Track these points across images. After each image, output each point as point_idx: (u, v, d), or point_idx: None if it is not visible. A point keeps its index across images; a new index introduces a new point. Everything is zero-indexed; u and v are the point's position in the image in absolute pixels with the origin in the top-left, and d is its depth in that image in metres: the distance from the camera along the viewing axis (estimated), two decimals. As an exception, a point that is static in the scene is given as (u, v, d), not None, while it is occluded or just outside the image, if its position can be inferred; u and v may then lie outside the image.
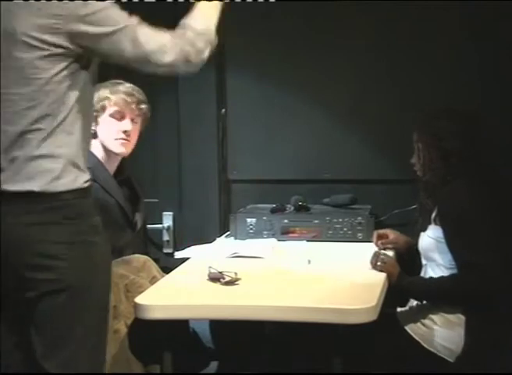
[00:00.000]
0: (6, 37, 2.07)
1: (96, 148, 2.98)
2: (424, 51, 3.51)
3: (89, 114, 2.23)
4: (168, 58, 2.17)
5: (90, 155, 2.94)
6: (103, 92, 2.95)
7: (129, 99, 2.98)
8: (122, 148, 3.01)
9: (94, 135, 2.96)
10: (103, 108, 2.96)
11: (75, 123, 2.13)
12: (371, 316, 2.28)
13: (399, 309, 2.79)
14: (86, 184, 2.17)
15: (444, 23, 3.47)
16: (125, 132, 2.99)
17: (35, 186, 2.08)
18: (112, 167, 3.03)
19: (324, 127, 3.65)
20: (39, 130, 2.09)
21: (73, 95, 2.13)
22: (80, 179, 2.15)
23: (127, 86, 3.01)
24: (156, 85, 3.72)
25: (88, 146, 2.26)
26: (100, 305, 2.21)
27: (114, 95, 2.96)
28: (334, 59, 3.61)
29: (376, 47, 3.56)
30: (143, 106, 3.03)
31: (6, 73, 2.08)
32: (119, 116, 2.99)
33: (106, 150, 3.00)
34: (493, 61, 3.44)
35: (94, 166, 2.93)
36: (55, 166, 2.10)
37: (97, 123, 2.97)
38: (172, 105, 3.72)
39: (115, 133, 2.99)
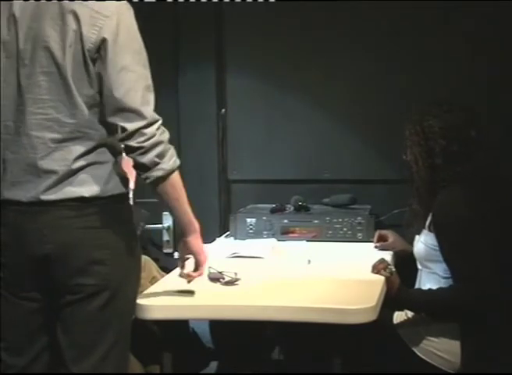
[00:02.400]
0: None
1: None
2: (424, 51, 3.51)
3: None
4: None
5: None
6: None
7: None
8: None
9: None
10: None
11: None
12: (371, 316, 2.28)
13: (396, 313, 2.77)
14: (127, 189, 2.17)
15: (444, 24, 3.48)
16: None
17: (85, 192, 2.06)
18: None
19: (324, 127, 3.65)
20: (81, 137, 2.07)
21: None
22: (123, 183, 2.14)
23: None
24: (156, 85, 3.73)
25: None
26: (129, 311, 2.21)
27: None
28: (334, 59, 3.62)
29: (376, 47, 3.57)
30: None
31: (49, 78, 2.06)
32: None
33: None
34: (494, 61, 3.45)
35: None
36: (103, 172, 2.09)
37: None
38: (172, 105, 3.72)
39: None
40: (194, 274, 2.31)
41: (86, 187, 2.06)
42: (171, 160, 2.10)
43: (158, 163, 2.07)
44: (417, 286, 2.78)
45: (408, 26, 3.52)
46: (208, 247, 3.21)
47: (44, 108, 2.06)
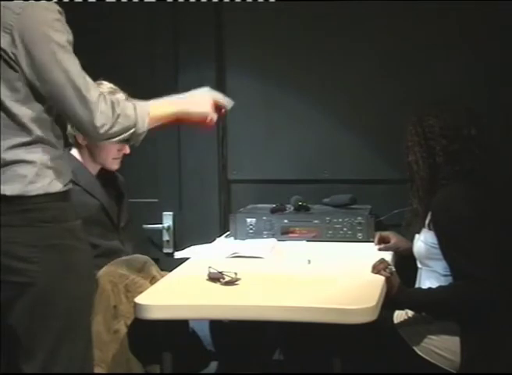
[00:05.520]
0: None
1: (77, 151, 2.98)
2: (424, 51, 3.51)
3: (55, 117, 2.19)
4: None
5: (71, 158, 2.97)
6: None
7: None
8: (117, 166, 3.04)
9: (79, 146, 2.98)
10: None
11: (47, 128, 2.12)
12: (371, 316, 2.28)
13: (396, 312, 2.77)
14: (64, 188, 2.14)
15: (444, 23, 3.48)
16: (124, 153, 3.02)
17: (7, 190, 2.05)
18: (95, 168, 3.02)
19: (324, 127, 3.65)
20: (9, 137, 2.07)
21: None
22: (56, 182, 2.13)
23: None
24: (156, 85, 3.73)
25: (62, 148, 2.22)
26: (78, 310, 2.17)
27: None
28: (334, 59, 3.62)
29: (377, 47, 3.57)
30: None
31: None
32: None
33: (95, 161, 3.00)
34: (494, 61, 3.45)
35: (74, 168, 2.94)
36: (28, 171, 2.07)
37: (94, 143, 2.95)
38: (172, 105, 3.72)
39: (115, 154, 3.01)
40: None
41: (10, 186, 2.06)
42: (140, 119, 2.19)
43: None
44: (417, 285, 2.78)
45: (408, 26, 3.52)
46: (208, 247, 3.23)
47: None
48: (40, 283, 2.08)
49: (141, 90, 3.49)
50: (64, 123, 2.21)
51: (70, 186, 2.18)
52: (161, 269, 2.92)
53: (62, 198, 2.14)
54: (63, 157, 2.20)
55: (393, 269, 2.60)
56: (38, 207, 2.08)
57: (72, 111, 2.08)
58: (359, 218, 3.31)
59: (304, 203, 3.48)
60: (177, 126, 3.71)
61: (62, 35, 2.09)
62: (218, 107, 2.41)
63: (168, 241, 3.78)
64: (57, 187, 2.13)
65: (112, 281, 2.66)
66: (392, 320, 2.73)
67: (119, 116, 2.12)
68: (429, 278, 2.70)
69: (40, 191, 2.08)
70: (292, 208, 3.48)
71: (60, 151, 2.18)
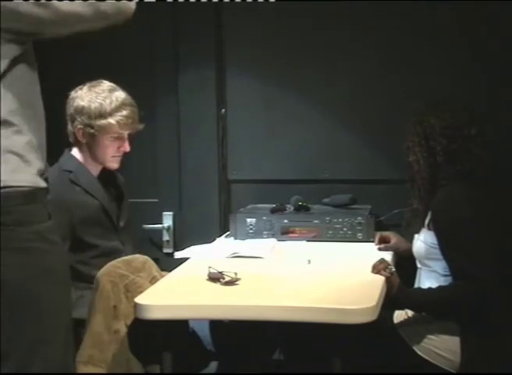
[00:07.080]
0: None
1: (78, 152, 2.98)
2: (425, 51, 3.51)
3: (38, 109, 2.08)
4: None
5: (72, 159, 2.97)
6: (104, 113, 2.93)
7: (130, 121, 2.97)
8: (117, 164, 3.04)
9: (78, 144, 2.98)
10: (103, 131, 2.95)
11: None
12: (371, 316, 2.28)
13: (396, 312, 2.77)
14: (29, 189, 2.03)
15: (444, 23, 3.48)
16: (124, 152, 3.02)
17: None
18: (96, 169, 3.03)
19: (324, 127, 3.65)
20: None
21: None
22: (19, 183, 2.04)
23: (127, 105, 2.98)
24: (156, 85, 3.74)
25: (40, 146, 2.08)
26: (53, 312, 2.11)
27: (116, 121, 2.94)
28: (334, 59, 3.62)
29: (376, 47, 3.56)
30: (140, 126, 3.03)
31: None
32: (120, 137, 2.99)
33: (95, 160, 3.00)
34: (494, 61, 3.45)
35: (75, 169, 2.95)
36: None
37: (93, 140, 2.96)
38: (172, 105, 3.73)
39: (114, 152, 3.01)
40: None
41: None
42: None
43: None
44: (416, 285, 2.78)
45: (408, 26, 3.52)
46: (208, 247, 3.23)
47: None
48: (11, 286, 2.02)
49: (141, 90, 3.52)
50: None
51: (37, 187, 2.06)
52: (161, 269, 2.92)
53: (28, 199, 2.05)
54: (34, 146, 2.05)
55: (393, 269, 2.60)
56: (0, 210, 1.99)
57: None
58: (359, 218, 3.31)
59: (304, 203, 3.48)
60: (177, 126, 3.73)
61: None
62: None
63: (168, 241, 3.78)
64: (21, 188, 2.02)
65: (112, 281, 2.66)
66: (392, 320, 2.73)
67: None
68: (429, 278, 2.71)
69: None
70: (292, 208, 3.48)
71: (31, 137, 2.02)
